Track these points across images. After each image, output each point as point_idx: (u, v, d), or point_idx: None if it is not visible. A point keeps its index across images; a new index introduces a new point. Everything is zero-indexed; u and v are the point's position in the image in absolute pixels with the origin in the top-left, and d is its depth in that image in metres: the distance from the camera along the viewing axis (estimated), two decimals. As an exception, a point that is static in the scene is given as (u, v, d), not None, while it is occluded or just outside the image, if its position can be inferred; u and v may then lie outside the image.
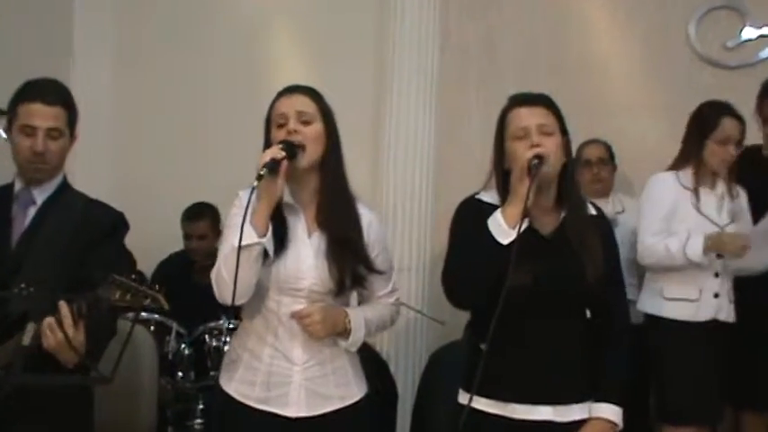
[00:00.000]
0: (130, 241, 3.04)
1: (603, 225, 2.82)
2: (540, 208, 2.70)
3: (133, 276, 2.53)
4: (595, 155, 4.72)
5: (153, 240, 4.84)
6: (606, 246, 2.73)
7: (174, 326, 4.52)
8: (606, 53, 5.28)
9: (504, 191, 2.69)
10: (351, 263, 2.76)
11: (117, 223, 2.96)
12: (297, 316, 2.72)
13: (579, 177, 4.44)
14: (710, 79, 5.05)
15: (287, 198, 2.75)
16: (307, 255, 2.74)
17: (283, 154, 2.62)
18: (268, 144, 2.77)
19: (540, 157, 2.58)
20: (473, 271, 2.62)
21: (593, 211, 2.81)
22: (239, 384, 2.77)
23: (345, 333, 2.78)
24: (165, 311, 4.05)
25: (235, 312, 2.83)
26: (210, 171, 5.40)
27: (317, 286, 2.74)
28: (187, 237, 5.11)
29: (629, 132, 5.07)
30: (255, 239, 2.58)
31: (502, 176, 2.73)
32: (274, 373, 2.75)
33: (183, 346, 4.53)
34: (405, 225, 5.22)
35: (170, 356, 4.47)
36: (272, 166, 2.58)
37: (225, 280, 2.62)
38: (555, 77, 5.04)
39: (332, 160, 2.78)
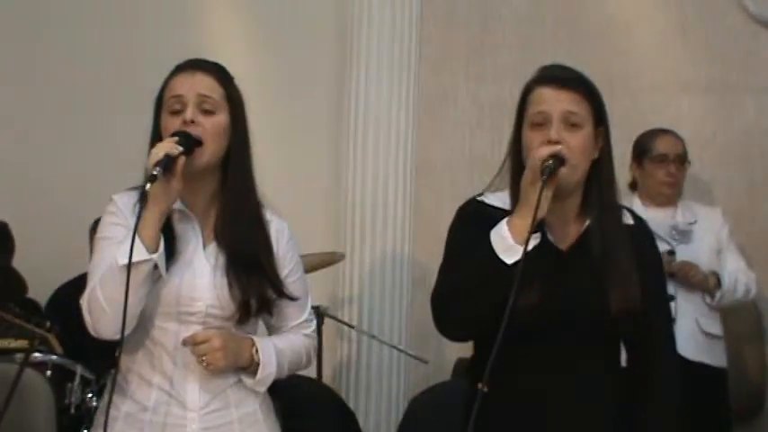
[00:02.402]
0: (20, 261, 2.99)
1: (643, 238, 2.77)
2: (561, 216, 2.67)
3: (18, 309, 2.46)
4: (674, 150, 4.58)
5: (49, 259, 4.79)
6: (646, 265, 2.68)
7: (79, 369, 4.44)
8: (632, 15, 5.31)
9: (518, 192, 2.63)
10: (256, 283, 2.76)
11: None
12: (190, 341, 2.68)
13: (649, 175, 4.54)
14: (768, 47, 4.93)
15: (176, 204, 2.72)
16: (202, 270, 2.74)
17: (180, 149, 2.59)
18: (157, 133, 2.75)
19: (556, 157, 2.53)
20: (468, 295, 2.58)
21: (629, 221, 2.76)
22: None
23: (252, 367, 2.77)
24: (65, 352, 3.99)
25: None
26: (125, 172, 5.35)
27: (215, 309, 2.73)
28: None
29: (662, 116, 5.03)
30: (145, 255, 2.56)
31: (518, 173, 2.67)
32: (165, 423, 2.72)
33: (89, 395, 4.45)
34: (376, 237, 5.22)
35: (72, 410, 4.39)
36: (167, 164, 2.55)
37: (102, 307, 2.59)
38: (566, 47, 5.07)
39: (237, 159, 2.78)
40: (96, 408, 4.51)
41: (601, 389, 2.67)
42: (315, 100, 5.40)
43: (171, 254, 2.68)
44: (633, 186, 4.61)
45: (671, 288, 4.15)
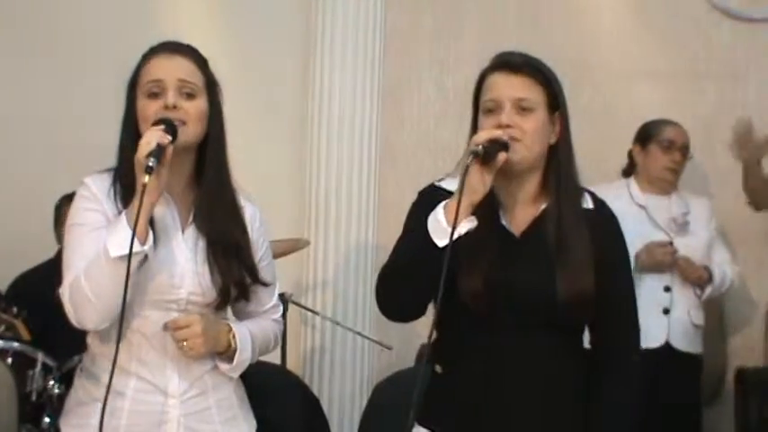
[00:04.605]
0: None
1: (601, 222, 2.73)
2: (517, 199, 2.68)
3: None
4: (681, 139, 4.61)
5: (9, 245, 4.74)
6: (604, 250, 2.66)
7: (40, 356, 4.41)
8: (595, 2, 5.31)
9: None
10: (236, 269, 2.75)
11: None
12: (172, 326, 2.67)
13: (653, 159, 4.58)
14: (728, 35, 5.09)
15: None
16: (183, 257, 2.72)
17: (170, 138, 2.55)
18: (130, 117, 2.71)
19: (496, 142, 2.51)
20: (402, 277, 2.61)
21: (589, 205, 2.74)
22: None
23: (228, 353, 2.76)
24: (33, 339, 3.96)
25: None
26: (88, 155, 5.29)
27: (197, 296, 2.72)
28: (61, 238, 5.00)
29: (625, 103, 5.11)
30: (138, 248, 2.52)
31: None
32: (144, 411, 2.70)
33: (51, 382, 4.41)
34: (340, 222, 5.19)
35: (34, 397, 4.36)
36: (159, 155, 2.50)
37: (87, 298, 2.56)
38: (529, 35, 5.07)
39: (214, 144, 2.75)
40: (60, 395, 4.50)
41: (557, 369, 2.65)
42: (279, 86, 5.35)
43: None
44: (627, 172, 4.69)
45: (668, 279, 4.45)
